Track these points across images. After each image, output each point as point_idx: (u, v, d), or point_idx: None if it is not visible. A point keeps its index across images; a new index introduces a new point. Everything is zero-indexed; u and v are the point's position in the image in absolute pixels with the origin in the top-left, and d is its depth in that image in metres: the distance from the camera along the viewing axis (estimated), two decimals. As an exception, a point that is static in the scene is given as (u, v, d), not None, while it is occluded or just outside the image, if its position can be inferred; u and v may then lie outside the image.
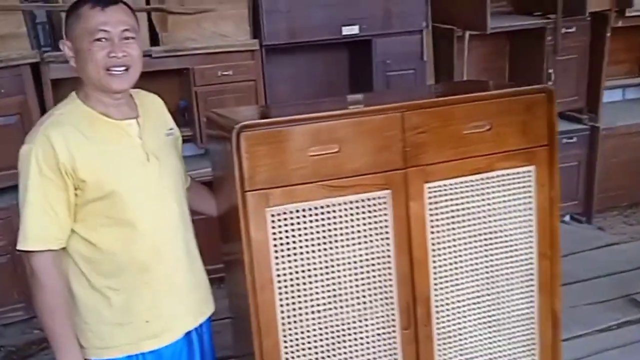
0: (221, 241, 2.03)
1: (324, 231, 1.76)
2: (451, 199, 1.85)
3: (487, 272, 1.92)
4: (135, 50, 1.74)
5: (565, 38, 3.79)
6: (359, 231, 1.79)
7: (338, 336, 1.81)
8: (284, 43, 3.40)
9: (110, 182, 1.69)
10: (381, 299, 1.84)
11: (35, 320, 3.27)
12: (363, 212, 1.79)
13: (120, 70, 1.71)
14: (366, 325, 1.83)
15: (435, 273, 1.86)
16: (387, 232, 1.81)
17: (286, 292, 1.76)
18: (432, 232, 1.85)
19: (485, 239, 1.90)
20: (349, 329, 1.82)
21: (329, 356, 1.81)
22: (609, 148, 4.05)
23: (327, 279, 1.78)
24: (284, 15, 3.34)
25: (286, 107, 2.05)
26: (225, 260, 2.02)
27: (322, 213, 1.75)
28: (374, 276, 1.82)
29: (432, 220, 1.84)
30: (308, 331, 1.79)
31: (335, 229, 1.77)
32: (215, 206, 2.03)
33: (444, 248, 1.86)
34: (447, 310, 1.90)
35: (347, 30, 3.44)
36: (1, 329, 3.52)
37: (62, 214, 1.68)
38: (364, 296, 1.82)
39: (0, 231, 3.40)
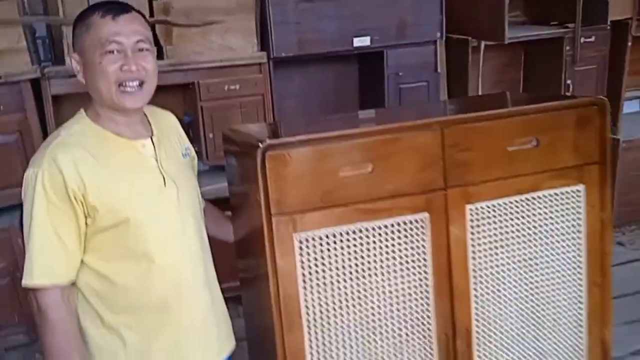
0: (239, 265, 1.85)
1: (356, 258, 1.59)
2: (494, 222, 1.68)
3: (532, 301, 1.74)
4: (150, 64, 1.57)
5: (584, 48, 3.64)
6: (394, 258, 1.62)
7: (372, 373, 1.64)
8: (293, 56, 3.23)
9: (125, 208, 1.51)
10: (418, 332, 1.66)
11: (37, 344, 3.09)
12: (399, 237, 1.61)
13: (134, 86, 1.54)
14: (402, 361, 1.66)
15: (476, 303, 1.69)
16: (425, 259, 1.64)
17: (315, 326, 1.58)
18: (474, 259, 1.68)
19: (531, 265, 1.73)
20: (384, 365, 1.65)
21: (362, 396, 1.64)
22: (629, 160, 3.88)
23: (360, 311, 1.61)
24: (293, 27, 3.18)
25: (310, 123, 1.87)
26: (244, 284, 1.85)
27: (355, 239, 1.58)
28: (410, 307, 1.65)
29: (473, 245, 1.67)
30: (340, 368, 1.61)
31: (369, 256, 1.60)
32: (232, 231, 1.85)
33: (486, 275, 1.69)
34: (489, 343, 1.73)
35: (358, 42, 3.28)
36: (2, 353, 3.33)
37: (72, 244, 1.50)
38: (399, 329, 1.65)
39: (1, 252, 3.21)
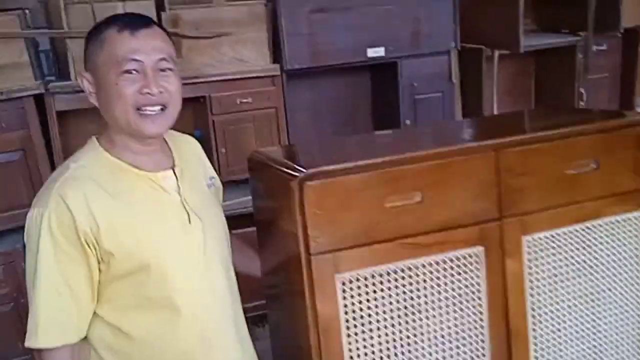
0: (268, 305, 1.61)
1: (405, 300, 1.35)
2: (552, 254, 1.45)
3: (594, 339, 1.51)
4: (173, 85, 1.33)
5: (596, 56, 3.41)
6: (446, 298, 1.38)
7: None
8: (306, 67, 2.98)
9: (144, 252, 1.27)
10: (471, 377, 1.43)
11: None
12: (451, 275, 1.38)
13: (154, 110, 1.30)
14: (455, 411, 1.42)
15: (535, 344, 1.46)
16: (479, 298, 1.40)
17: (361, 376, 1.34)
18: (532, 295, 1.44)
19: (592, 300, 1.50)
20: (435, 415, 1.41)
21: None
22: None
23: (410, 358, 1.37)
24: (306, 38, 2.93)
25: (343, 146, 1.62)
26: (275, 330, 1.60)
27: (403, 277, 1.34)
28: (464, 351, 1.41)
29: (531, 281, 1.44)
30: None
31: (419, 297, 1.36)
32: (260, 266, 1.61)
33: (545, 313, 1.46)
34: (548, 386, 1.49)
35: (372, 53, 3.03)
36: (5, 384, 3.07)
37: (83, 295, 1.25)
38: (451, 374, 1.41)
39: (3, 277, 2.93)
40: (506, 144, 1.36)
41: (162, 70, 1.32)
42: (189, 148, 1.52)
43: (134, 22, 1.31)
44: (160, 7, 2.74)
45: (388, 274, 1.33)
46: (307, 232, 1.26)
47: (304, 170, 1.25)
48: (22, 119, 2.75)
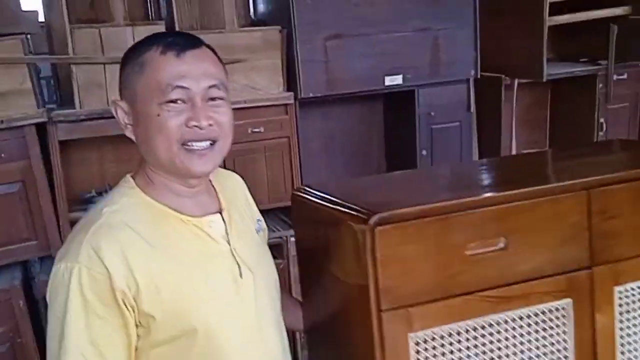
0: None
1: (484, 360, 1.15)
2: (645, 305, 1.25)
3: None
4: (225, 116, 1.13)
5: (616, 85, 3.27)
6: (529, 357, 1.17)
7: None
8: (322, 96, 2.80)
9: (190, 314, 1.06)
10: None
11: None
12: (536, 331, 1.18)
13: (203, 145, 1.10)
14: None
15: (627, 407, 1.25)
16: (565, 357, 1.20)
17: None
18: (622, 353, 1.24)
19: (688, 358, 1.30)
20: None
21: None
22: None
23: None
24: (322, 66, 2.75)
25: (402, 183, 1.42)
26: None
27: (483, 335, 1.14)
28: (550, 418, 1.20)
29: (622, 337, 1.24)
30: None
31: (499, 356, 1.15)
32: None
33: (638, 373, 1.26)
34: None
35: (389, 81, 2.86)
36: None
37: None
38: None
39: (0, 315, 2.69)
40: (599, 182, 1.17)
41: (212, 99, 1.11)
42: (234, 187, 1.31)
43: (181, 41, 1.11)
44: (171, 32, 2.55)
45: (467, 331, 1.13)
46: (379, 284, 1.06)
47: (375, 212, 1.04)
48: (23, 149, 2.53)
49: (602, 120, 3.28)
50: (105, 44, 2.47)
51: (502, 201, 1.12)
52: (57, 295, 1.03)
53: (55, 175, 2.58)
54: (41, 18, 2.71)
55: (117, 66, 2.49)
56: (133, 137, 1.14)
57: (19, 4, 2.61)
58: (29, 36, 2.52)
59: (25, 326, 2.53)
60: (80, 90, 2.50)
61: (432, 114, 3.01)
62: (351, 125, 3.21)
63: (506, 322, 1.15)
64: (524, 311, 1.16)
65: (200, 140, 1.09)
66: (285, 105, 2.78)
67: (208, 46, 1.15)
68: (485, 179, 1.33)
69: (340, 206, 1.14)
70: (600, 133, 3.30)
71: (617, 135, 3.34)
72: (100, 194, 2.84)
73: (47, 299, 1.06)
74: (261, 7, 3.00)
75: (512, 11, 3.01)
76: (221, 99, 1.12)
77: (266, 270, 1.23)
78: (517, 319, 1.16)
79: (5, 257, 2.58)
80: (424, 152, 3.02)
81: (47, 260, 2.66)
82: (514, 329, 1.16)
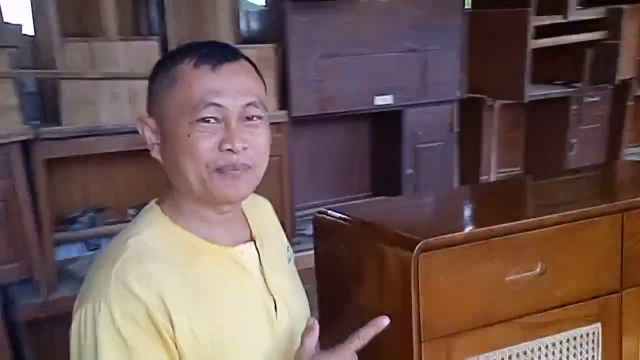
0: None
1: (520, 389, 1.11)
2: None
3: None
4: (262, 137, 1.01)
5: (588, 107, 3.34)
6: (561, 384, 1.15)
7: None
8: (314, 115, 2.76)
9: (224, 356, 0.97)
10: None
11: None
12: (567, 357, 1.15)
13: (237, 171, 0.98)
14: None
15: None
16: (596, 382, 1.18)
17: None
18: (649, 376, 1.23)
19: None
20: None
21: None
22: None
23: None
24: (315, 84, 2.71)
25: (434, 206, 1.38)
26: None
27: (519, 363, 1.11)
28: None
29: (648, 360, 1.23)
30: None
31: (534, 384, 1.12)
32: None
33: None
34: None
35: (380, 100, 2.85)
36: None
37: None
38: None
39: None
40: (634, 204, 1.16)
41: (250, 118, 0.99)
42: (264, 212, 1.19)
43: (217, 53, 0.98)
44: (164, 48, 2.48)
45: None
46: (421, 314, 1.02)
47: (421, 238, 1.00)
48: (7, 167, 2.39)
49: (573, 140, 3.33)
50: (97, 59, 2.38)
51: (543, 225, 1.09)
52: (85, 345, 0.91)
53: (39, 195, 2.46)
54: (26, 31, 2.60)
55: (108, 82, 2.44)
56: (159, 158, 1.02)
57: (2, 17, 2.49)
58: (14, 50, 2.41)
59: (5, 355, 2.39)
60: (67, 107, 2.40)
61: (419, 133, 3.00)
62: (337, 144, 3.18)
63: (540, 349, 1.13)
64: (557, 337, 1.14)
65: (234, 169, 0.97)
66: (279, 123, 2.73)
67: (247, 58, 1.03)
68: (513, 201, 1.31)
69: (378, 231, 1.10)
70: (571, 153, 3.34)
71: (585, 155, 3.40)
72: (85, 213, 2.73)
73: (71, 350, 0.94)
74: (253, 25, 2.95)
75: (496, 35, 3.04)
76: (259, 117, 1.00)
77: (301, 305, 1.13)
78: (550, 345, 1.13)
79: (-14, 285, 2.45)
80: (410, 171, 3.00)
81: (29, 283, 2.53)
82: (546, 356, 1.13)
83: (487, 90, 3.09)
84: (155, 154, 1.03)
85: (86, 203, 2.76)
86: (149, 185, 2.84)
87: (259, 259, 1.07)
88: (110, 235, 2.77)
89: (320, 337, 1.27)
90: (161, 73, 1.01)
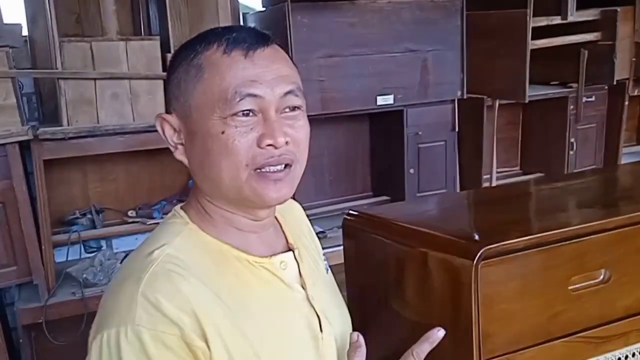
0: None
1: (584, 410, 0.94)
2: None
3: None
4: (303, 131, 0.85)
5: (585, 107, 3.19)
6: (626, 403, 0.98)
7: None
8: (316, 114, 2.58)
9: None
10: None
11: None
12: (631, 373, 0.98)
13: (279, 169, 0.82)
14: None
15: None
16: (660, 399, 1.01)
17: None
18: None
19: None
20: None
21: None
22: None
23: None
24: (317, 84, 2.54)
25: (474, 206, 1.20)
26: None
27: (583, 382, 0.94)
28: None
29: None
30: None
31: (598, 404, 0.96)
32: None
33: None
34: None
35: (382, 100, 2.68)
36: None
37: None
38: None
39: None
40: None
41: (291, 109, 0.83)
42: (296, 217, 1.02)
43: (248, 38, 0.82)
44: (165, 48, 2.29)
45: (567, 378, 0.92)
46: (480, 329, 0.84)
47: (480, 244, 0.83)
48: (4, 169, 2.20)
49: (572, 140, 3.19)
50: (97, 58, 2.18)
51: (610, 228, 0.92)
52: None
53: (38, 196, 2.27)
54: (25, 32, 2.40)
55: (108, 82, 2.25)
56: (185, 160, 0.85)
57: (1, 17, 2.29)
58: (11, 50, 2.20)
59: (2, 359, 2.19)
60: (67, 107, 2.20)
61: (420, 133, 2.83)
62: (339, 143, 3.01)
63: (605, 365, 0.95)
64: (622, 352, 0.97)
65: (276, 164, 0.81)
66: (280, 124, 2.54)
67: (278, 43, 0.87)
68: (559, 202, 1.14)
69: (425, 236, 0.92)
70: (571, 152, 3.20)
71: (586, 154, 3.27)
72: (84, 215, 2.53)
73: None
74: (253, 26, 2.76)
75: (496, 35, 2.89)
76: (299, 108, 0.84)
77: (344, 319, 0.97)
78: (614, 360, 0.96)
79: (-15, 286, 2.24)
80: (412, 171, 2.84)
81: (27, 286, 2.33)
82: (611, 372, 0.96)
83: (487, 91, 2.93)
84: (180, 155, 0.86)
85: (86, 204, 2.56)
86: (149, 186, 2.66)
87: (299, 270, 0.90)
88: (109, 237, 2.64)
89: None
90: (183, 63, 0.83)
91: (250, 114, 0.80)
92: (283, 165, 0.82)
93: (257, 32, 0.85)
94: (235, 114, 0.79)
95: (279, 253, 0.89)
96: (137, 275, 0.76)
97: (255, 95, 0.79)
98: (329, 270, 1.02)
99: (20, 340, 2.35)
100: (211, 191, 0.84)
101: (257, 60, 0.81)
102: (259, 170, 0.81)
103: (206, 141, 0.81)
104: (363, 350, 0.85)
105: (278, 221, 0.95)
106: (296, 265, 0.90)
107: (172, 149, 0.86)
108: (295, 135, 0.83)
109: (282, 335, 0.83)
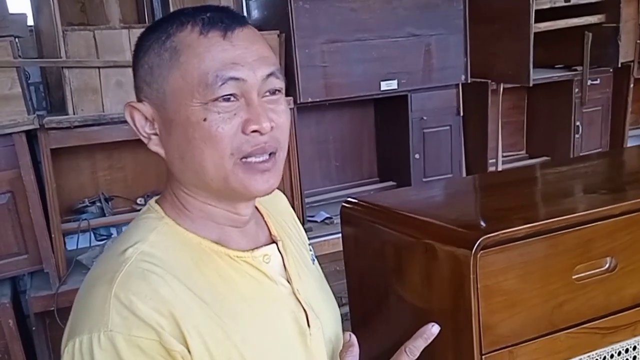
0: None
1: (589, 403, 0.88)
2: None
3: None
4: (285, 116, 0.77)
5: (590, 90, 3.09)
6: (635, 394, 0.92)
7: None
8: (320, 101, 2.51)
9: None
10: None
11: None
12: (638, 365, 0.92)
13: (265, 159, 0.75)
14: None
15: None
16: (669, 390, 0.95)
17: None
18: None
19: None
20: None
21: None
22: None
23: None
24: (320, 70, 2.46)
25: (473, 192, 1.14)
26: None
27: (588, 373, 0.88)
28: None
29: None
30: None
31: (604, 397, 0.89)
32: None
33: None
34: None
35: (385, 85, 2.60)
36: None
37: None
38: None
39: (-9, 336, 2.30)
40: None
41: (272, 92, 0.76)
42: (279, 208, 0.95)
43: (224, 18, 0.74)
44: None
45: (572, 370, 0.86)
46: (480, 322, 0.78)
47: (479, 232, 0.76)
48: (12, 158, 2.16)
49: (578, 123, 3.10)
50: (100, 47, 2.13)
51: (616, 214, 0.86)
52: None
53: (46, 184, 2.22)
54: (30, 21, 2.34)
55: (113, 70, 2.19)
56: (161, 151, 0.77)
57: (6, 7, 2.24)
58: (17, 40, 2.15)
59: (16, 346, 2.16)
60: (73, 96, 2.15)
61: (425, 118, 2.76)
62: (343, 129, 2.94)
63: (612, 356, 0.89)
64: (630, 342, 0.90)
65: (262, 154, 0.74)
66: (284, 110, 2.47)
67: (251, 24, 0.79)
68: (563, 187, 1.07)
69: (424, 225, 0.86)
70: (577, 135, 3.11)
71: (591, 137, 3.17)
72: (93, 203, 2.49)
73: None
74: (255, 13, 2.69)
75: (499, 18, 2.79)
76: (279, 91, 0.77)
77: (332, 313, 0.90)
78: (623, 352, 0.90)
79: (-8, 273, 2.21)
80: (417, 156, 2.76)
81: (38, 274, 2.30)
82: (619, 363, 0.90)
83: (492, 75, 2.84)
84: (154, 146, 0.78)
85: (95, 192, 2.52)
86: (157, 173, 2.60)
87: (283, 263, 0.83)
88: (119, 225, 2.60)
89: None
90: (154, 46, 0.75)
91: (232, 98, 0.73)
92: (268, 154, 0.76)
93: (232, 11, 0.77)
94: (216, 99, 0.72)
95: (261, 246, 0.82)
96: (109, 275, 0.70)
97: (237, 79, 0.72)
98: (315, 261, 0.95)
99: (34, 328, 2.32)
100: (192, 183, 0.77)
101: (236, 41, 0.73)
102: (244, 160, 0.74)
103: (186, 129, 0.73)
104: (356, 350, 0.79)
105: (260, 212, 0.88)
106: (280, 258, 0.83)
107: (144, 140, 0.78)
108: (279, 120, 0.76)
109: (267, 332, 0.77)
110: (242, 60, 0.73)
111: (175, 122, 0.74)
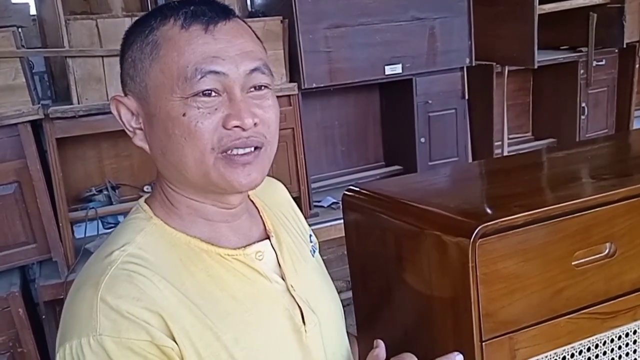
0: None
1: (589, 386, 0.89)
2: None
3: None
4: (272, 111, 0.76)
5: (595, 71, 3.07)
6: (636, 378, 0.93)
7: None
8: (325, 86, 2.51)
9: None
10: None
11: None
12: (635, 351, 0.92)
13: (247, 152, 0.74)
14: None
15: None
16: (670, 374, 0.96)
17: None
18: None
19: None
20: None
21: None
22: None
23: None
24: (324, 56, 2.46)
25: (474, 179, 1.14)
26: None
27: (589, 359, 0.88)
28: None
29: None
30: None
31: (604, 381, 0.90)
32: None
33: None
34: None
35: (390, 70, 2.59)
36: None
37: None
38: None
39: (-1, 323, 2.34)
40: None
41: (257, 88, 0.74)
42: (278, 198, 0.93)
43: (207, 11, 0.73)
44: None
45: (572, 355, 0.87)
46: (480, 309, 0.79)
47: (478, 220, 0.77)
48: (18, 148, 2.17)
49: (583, 104, 3.08)
50: (103, 36, 2.13)
51: (615, 200, 0.85)
52: None
53: (53, 174, 2.24)
54: (33, 11, 2.35)
55: (116, 59, 2.20)
56: (145, 146, 0.77)
57: (9, -3, 2.24)
58: (20, 30, 2.16)
59: (26, 335, 2.19)
60: (77, 85, 2.16)
61: (430, 102, 2.75)
62: (348, 114, 2.93)
63: (612, 340, 0.90)
64: (631, 326, 0.91)
65: (244, 147, 0.73)
66: (289, 96, 2.48)
67: (240, 18, 0.78)
68: (565, 172, 1.06)
69: (424, 213, 0.86)
70: (582, 117, 3.09)
71: (597, 118, 3.15)
72: (100, 191, 2.51)
73: None
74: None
75: (503, 0, 2.76)
76: (266, 87, 0.75)
77: (331, 306, 0.88)
78: (623, 336, 0.90)
79: (3, 263, 2.23)
80: (423, 140, 2.76)
81: (47, 263, 2.33)
82: (619, 348, 0.90)
83: (496, 57, 2.82)
84: (139, 141, 0.77)
85: (101, 181, 2.54)
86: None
87: (277, 259, 0.82)
88: (126, 213, 2.61)
89: (359, 339, 1.05)
90: (137, 40, 0.74)
91: (213, 93, 0.72)
92: (252, 148, 0.74)
93: (218, 4, 0.76)
94: (196, 94, 0.71)
95: (254, 242, 0.81)
96: (95, 279, 0.69)
97: (217, 73, 0.71)
98: (317, 252, 0.94)
99: (44, 316, 2.35)
100: (175, 179, 0.76)
101: (219, 35, 0.72)
102: (225, 153, 0.73)
103: (167, 125, 0.72)
104: (382, 355, 0.79)
105: (256, 206, 0.87)
106: (274, 255, 0.82)
107: (130, 134, 0.78)
108: (265, 116, 0.75)
109: (260, 331, 0.76)
110: (224, 54, 0.72)
111: (156, 117, 0.74)
